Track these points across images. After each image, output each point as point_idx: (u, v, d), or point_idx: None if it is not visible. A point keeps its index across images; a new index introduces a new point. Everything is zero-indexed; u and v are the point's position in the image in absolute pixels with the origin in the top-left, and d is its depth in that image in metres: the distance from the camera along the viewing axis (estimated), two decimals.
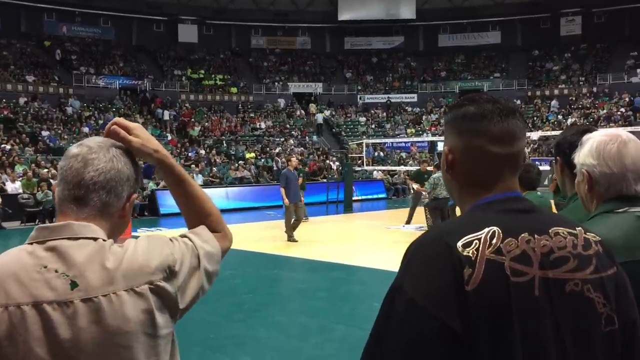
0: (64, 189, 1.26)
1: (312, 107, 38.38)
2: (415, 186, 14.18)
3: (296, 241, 12.11)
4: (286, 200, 12.18)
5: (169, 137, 29.85)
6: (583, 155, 1.57)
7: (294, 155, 22.21)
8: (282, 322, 6.27)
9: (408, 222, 14.89)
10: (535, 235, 1.11)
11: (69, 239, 1.20)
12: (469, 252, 1.06)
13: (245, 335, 5.76)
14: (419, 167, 16.12)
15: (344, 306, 6.94)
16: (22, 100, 29.00)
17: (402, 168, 26.74)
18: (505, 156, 1.18)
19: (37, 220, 16.25)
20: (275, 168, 25.96)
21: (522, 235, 1.10)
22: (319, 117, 36.91)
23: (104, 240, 1.23)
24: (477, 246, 1.07)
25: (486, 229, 1.09)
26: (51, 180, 17.34)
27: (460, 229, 1.10)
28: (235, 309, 6.83)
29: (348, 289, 7.91)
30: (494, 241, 1.08)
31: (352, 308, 6.82)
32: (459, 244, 1.07)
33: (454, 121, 1.23)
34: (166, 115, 32.69)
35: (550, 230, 1.14)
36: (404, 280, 1.08)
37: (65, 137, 25.98)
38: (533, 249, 1.10)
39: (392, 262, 9.45)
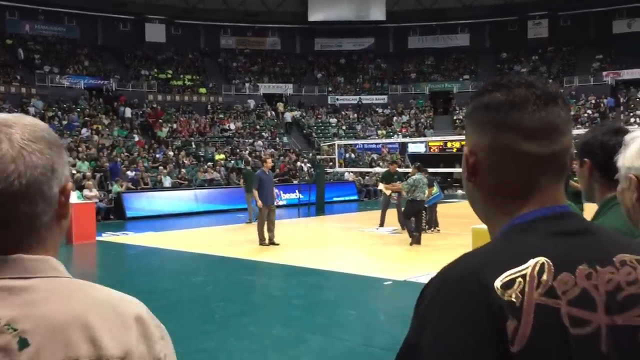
0: None
1: (280, 106, 38.20)
2: (381, 186, 14.07)
3: (276, 244, 11.83)
4: (259, 203, 11.88)
5: (136, 138, 29.19)
6: (630, 158, 1.27)
7: (268, 156, 21.89)
8: (257, 333, 5.96)
9: (381, 224, 14.72)
10: (597, 267, 0.83)
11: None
12: (511, 296, 0.78)
13: (218, 349, 5.45)
14: (388, 168, 15.98)
15: (320, 314, 6.67)
16: None
17: (374, 169, 26.62)
18: (546, 157, 0.90)
19: None
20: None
21: (580, 267, 0.82)
22: (288, 116, 36.99)
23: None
24: (521, 286, 0.79)
25: (531, 261, 0.81)
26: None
27: (497, 261, 0.82)
28: (206, 320, 6.50)
29: (323, 296, 7.64)
30: (544, 278, 0.80)
31: (328, 316, 6.55)
32: (498, 283, 0.79)
33: (477, 112, 0.94)
34: (128, 112, 32.08)
35: (615, 259, 0.85)
36: (421, 337, 0.79)
37: None
38: (596, 287, 0.82)
39: (366, 266, 9.26)
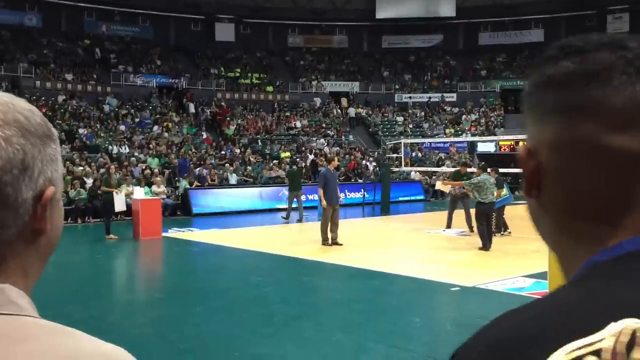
0: None
1: (344, 102, 38.14)
2: (438, 184, 13.27)
3: (339, 244, 11.59)
4: (324, 202, 11.67)
5: (204, 136, 29.70)
6: None
7: (334, 155, 21.73)
8: (316, 338, 5.73)
9: (448, 226, 14.23)
10: None
11: None
12: None
13: (274, 355, 5.24)
14: (458, 168, 15.43)
15: (383, 321, 6.37)
16: (60, 98, 29.24)
17: (442, 169, 25.94)
18: None
19: (69, 219, 16.11)
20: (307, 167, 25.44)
21: None
22: (352, 111, 37.14)
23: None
24: None
25: (614, 326, 0.47)
26: (84, 179, 17.21)
27: (560, 324, 0.50)
28: (264, 322, 6.33)
29: (387, 301, 7.33)
30: (636, 356, 0.46)
31: (392, 323, 6.24)
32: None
33: (536, 92, 0.62)
34: (192, 107, 32.88)
35: None
36: None
37: (102, 134, 26.04)
38: None
39: (432, 270, 8.85)
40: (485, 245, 10.97)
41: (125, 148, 24.15)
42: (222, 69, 38.57)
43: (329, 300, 7.42)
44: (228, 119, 32.85)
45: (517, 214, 14.68)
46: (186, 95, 34.10)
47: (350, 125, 36.27)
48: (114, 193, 13.37)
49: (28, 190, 0.69)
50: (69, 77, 31.89)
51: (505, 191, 13.06)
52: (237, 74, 38.67)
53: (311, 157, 26.92)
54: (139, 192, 14.13)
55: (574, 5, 40.68)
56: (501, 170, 14.44)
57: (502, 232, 13.09)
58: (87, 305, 7.10)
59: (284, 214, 17.43)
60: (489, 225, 11.21)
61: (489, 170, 11.87)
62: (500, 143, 33.25)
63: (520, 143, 33.90)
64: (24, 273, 0.71)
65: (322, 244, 11.71)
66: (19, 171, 0.68)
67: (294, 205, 17.10)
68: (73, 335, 0.67)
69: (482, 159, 31.52)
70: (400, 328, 6.07)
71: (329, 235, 11.75)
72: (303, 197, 17.70)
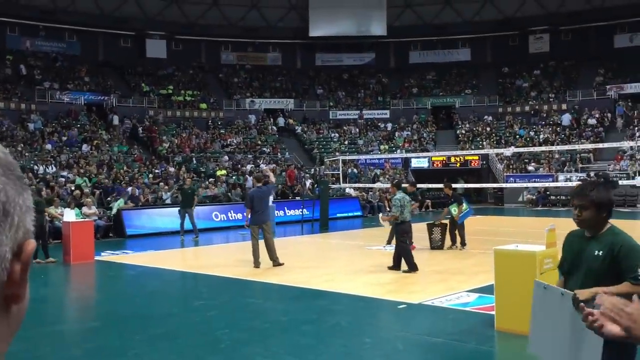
0: None
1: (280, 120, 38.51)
2: (381, 220, 12.79)
3: (280, 264, 11.17)
4: (246, 223, 11.40)
5: (136, 154, 28.85)
6: None
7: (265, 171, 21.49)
8: None
9: (389, 242, 14.29)
10: None
11: None
12: None
13: None
14: (405, 186, 15.58)
15: (333, 343, 6.24)
16: None
17: (378, 185, 26.25)
18: None
19: None
20: (246, 185, 25.13)
21: None
22: (280, 121, 38.13)
23: None
24: None
25: None
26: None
27: None
28: (210, 349, 6.07)
29: (334, 321, 7.21)
30: None
31: (343, 345, 6.12)
32: None
33: None
34: (116, 120, 32.45)
35: None
36: None
37: (27, 154, 24.81)
38: None
39: (377, 288, 8.80)
40: (412, 266, 10.30)
41: (52, 168, 23.09)
42: (155, 86, 37.75)
43: (276, 323, 7.22)
44: (160, 136, 32.10)
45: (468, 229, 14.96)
46: (110, 110, 33.41)
47: (280, 135, 36.42)
48: (45, 216, 12.88)
49: (7, 243, 0.57)
50: None
51: (465, 206, 13.45)
52: (170, 91, 37.94)
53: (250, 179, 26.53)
54: (70, 215, 13.46)
55: (498, 26, 42.43)
56: (455, 185, 14.79)
57: (464, 246, 13.36)
58: (16, 337, 6.60)
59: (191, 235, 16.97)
60: (407, 243, 10.81)
61: (405, 186, 11.94)
62: (433, 159, 34.05)
63: (452, 158, 34.82)
64: None
65: (254, 267, 11.12)
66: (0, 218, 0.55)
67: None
68: None
69: (415, 174, 32.17)
70: (352, 350, 5.96)
71: (263, 256, 11.18)
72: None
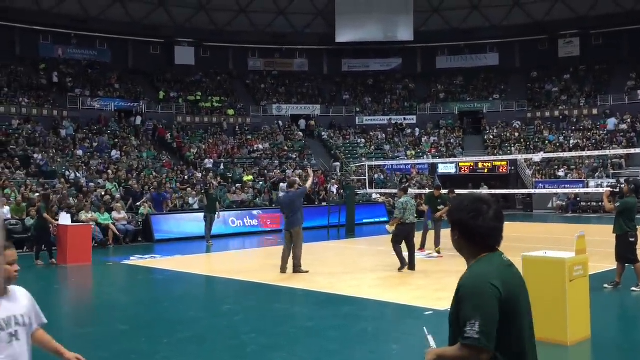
0: None
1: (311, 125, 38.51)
2: (388, 227, 13.03)
3: (304, 272, 11.09)
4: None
5: (164, 160, 29.20)
6: None
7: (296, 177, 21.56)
8: None
9: (422, 247, 14.15)
10: None
11: None
12: None
13: None
14: (432, 191, 15.55)
15: (360, 349, 6.21)
16: (15, 123, 28.38)
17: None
18: None
19: (25, 248, 15.49)
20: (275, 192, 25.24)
21: None
22: (302, 124, 38.61)
23: None
24: None
25: None
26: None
27: None
28: (237, 354, 6.10)
29: (361, 327, 7.18)
30: None
31: (369, 351, 6.10)
32: None
33: None
34: (138, 120, 33.16)
35: None
36: None
37: (59, 160, 25.30)
38: None
39: (404, 294, 8.73)
40: (403, 261, 11.14)
41: (83, 173, 23.51)
42: (184, 93, 38.23)
43: (302, 329, 7.23)
44: (189, 143, 32.45)
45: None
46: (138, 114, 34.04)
47: (306, 140, 36.65)
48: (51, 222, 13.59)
49: None
50: (24, 101, 31.05)
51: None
52: (198, 98, 38.36)
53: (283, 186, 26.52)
54: (65, 219, 13.98)
55: (527, 30, 41.96)
56: (457, 191, 14.77)
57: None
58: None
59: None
60: (409, 245, 11.26)
61: (431, 190, 12.13)
62: (461, 164, 33.76)
63: (479, 164, 34.44)
64: None
65: (280, 272, 11.10)
66: None
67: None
68: None
69: (443, 180, 31.92)
70: (379, 356, 5.93)
71: (290, 263, 11.16)
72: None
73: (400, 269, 11.15)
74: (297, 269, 11.15)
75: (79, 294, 10.85)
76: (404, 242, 11.28)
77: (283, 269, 11.20)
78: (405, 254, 11.32)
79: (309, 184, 12.38)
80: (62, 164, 24.74)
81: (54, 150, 26.53)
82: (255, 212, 21.54)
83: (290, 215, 11.27)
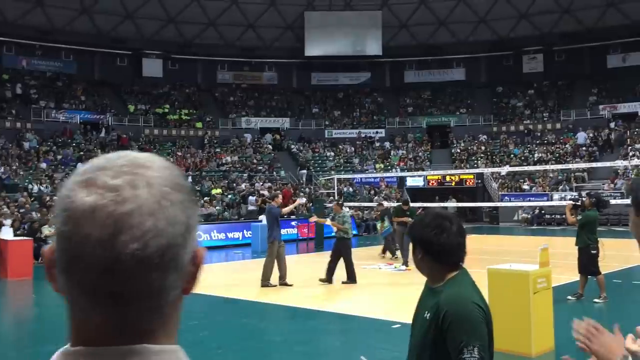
0: (76, 275, 0.65)
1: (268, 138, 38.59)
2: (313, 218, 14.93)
3: (289, 285, 11.16)
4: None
5: None
6: None
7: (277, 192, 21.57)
8: None
9: (405, 263, 14.09)
10: None
11: None
12: None
13: None
14: (399, 204, 15.68)
15: None
16: None
17: (373, 204, 26.23)
18: None
19: None
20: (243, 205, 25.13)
21: None
22: (268, 138, 38.42)
23: None
24: None
25: None
26: (2, 220, 16.20)
27: None
28: None
29: (329, 341, 7.17)
30: None
31: None
32: None
33: None
34: (102, 132, 32.99)
35: None
36: None
37: (21, 173, 24.76)
38: None
39: (372, 307, 8.77)
40: (329, 281, 11.38)
41: (47, 187, 23.04)
42: (150, 105, 37.88)
43: (270, 343, 7.17)
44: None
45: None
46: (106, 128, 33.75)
47: (275, 153, 36.68)
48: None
49: (189, 252, 0.70)
50: None
51: (386, 223, 15.31)
52: (166, 110, 38.04)
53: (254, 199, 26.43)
54: (7, 232, 13.74)
55: (492, 46, 42.83)
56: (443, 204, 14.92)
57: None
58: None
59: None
60: (345, 259, 11.50)
61: (398, 204, 12.64)
62: (428, 177, 34.12)
63: (447, 177, 34.78)
64: (175, 333, 0.72)
65: (262, 286, 11.10)
66: (187, 234, 0.69)
67: None
68: None
69: (411, 193, 32.20)
70: None
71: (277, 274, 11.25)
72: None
73: (323, 281, 11.40)
74: (263, 282, 11.15)
75: (17, 310, 10.58)
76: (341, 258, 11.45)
77: (266, 282, 11.17)
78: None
79: (287, 209, 12.92)
80: (25, 177, 24.22)
81: (17, 163, 25.97)
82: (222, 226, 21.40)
83: (268, 228, 11.53)
